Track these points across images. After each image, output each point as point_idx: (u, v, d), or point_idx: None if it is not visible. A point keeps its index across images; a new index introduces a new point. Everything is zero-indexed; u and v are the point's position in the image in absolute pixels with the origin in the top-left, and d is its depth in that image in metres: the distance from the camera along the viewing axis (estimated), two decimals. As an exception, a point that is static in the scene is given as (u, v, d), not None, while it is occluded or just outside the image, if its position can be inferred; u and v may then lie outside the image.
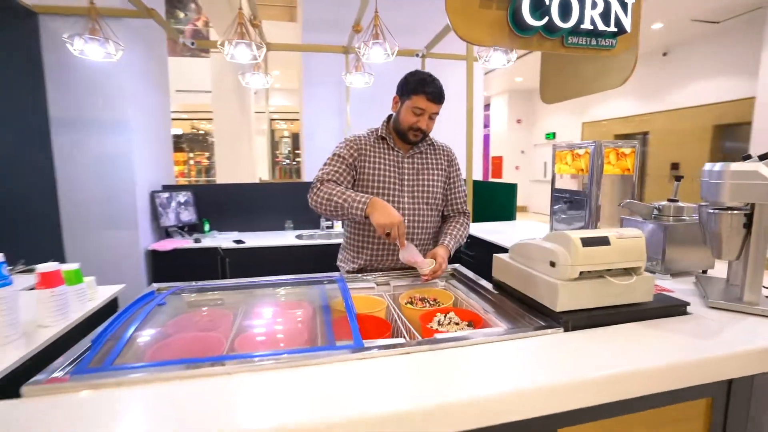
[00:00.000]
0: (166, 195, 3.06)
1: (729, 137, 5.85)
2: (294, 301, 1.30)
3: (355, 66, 2.97)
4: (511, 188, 3.19)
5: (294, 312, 1.19)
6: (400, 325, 1.14)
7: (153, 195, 3.00)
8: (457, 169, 1.58)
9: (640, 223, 1.48)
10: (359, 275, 1.47)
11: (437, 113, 1.40)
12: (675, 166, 6.62)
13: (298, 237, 3.19)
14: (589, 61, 2.36)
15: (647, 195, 7.20)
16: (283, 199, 3.41)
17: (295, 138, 13.38)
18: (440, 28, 2.78)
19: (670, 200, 1.50)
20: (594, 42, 1.53)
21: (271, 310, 1.22)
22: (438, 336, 0.94)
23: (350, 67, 3.13)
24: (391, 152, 1.49)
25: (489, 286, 1.32)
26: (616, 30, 1.50)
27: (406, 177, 1.48)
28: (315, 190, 1.39)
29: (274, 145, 13.71)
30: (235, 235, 3.19)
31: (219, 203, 3.32)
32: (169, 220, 3.03)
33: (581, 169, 1.84)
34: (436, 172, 1.52)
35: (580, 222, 1.87)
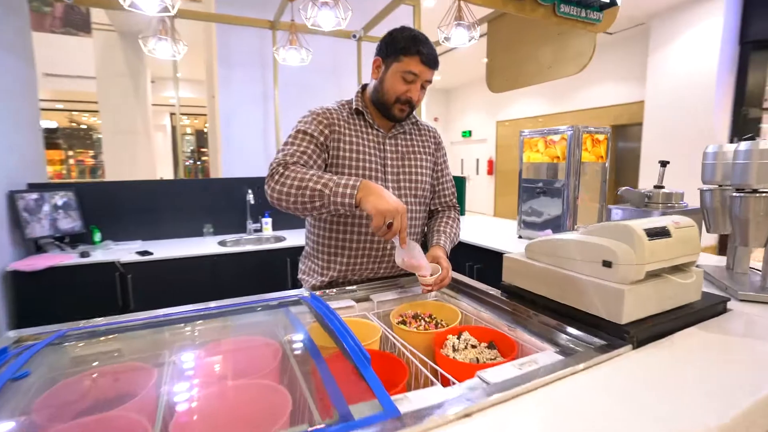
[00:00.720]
0: (34, 197, 2.32)
1: (623, 137, 6.55)
2: (250, 337, 0.91)
3: (289, 40, 2.55)
4: (459, 182, 3.06)
5: (257, 357, 0.81)
6: (408, 355, 0.84)
7: (13, 196, 2.25)
8: (445, 154, 1.31)
9: (632, 212, 1.37)
10: (332, 291, 1.12)
11: (430, 82, 1.12)
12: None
13: (222, 244, 2.67)
14: (546, 47, 2.30)
15: None
16: (199, 198, 2.84)
17: (200, 135, 12.09)
18: (382, 5, 2.50)
19: (656, 187, 1.41)
20: (583, 14, 1.39)
21: (220, 358, 0.82)
22: (487, 376, 0.66)
23: (281, 42, 2.69)
24: (369, 131, 1.17)
25: (495, 292, 1.08)
26: (608, 1, 1.37)
27: (389, 163, 1.17)
28: (277, 176, 1.01)
29: (177, 143, 12.29)
30: (138, 245, 2.55)
31: (113, 206, 2.64)
32: (39, 229, 2.30)
33: (556, 156, 1.71)
34: (423, 157, 1.23)
35: (556, 214, 1.74)
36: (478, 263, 2.19)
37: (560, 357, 0.73)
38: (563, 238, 0.91)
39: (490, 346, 0.91)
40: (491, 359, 0.88)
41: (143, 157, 6.34)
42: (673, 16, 5.36)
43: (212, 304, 1.00)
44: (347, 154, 1.12)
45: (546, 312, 0.91)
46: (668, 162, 1.43)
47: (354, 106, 1.17)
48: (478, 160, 9.98)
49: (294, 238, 2.80)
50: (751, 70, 5.31)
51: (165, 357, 0.80)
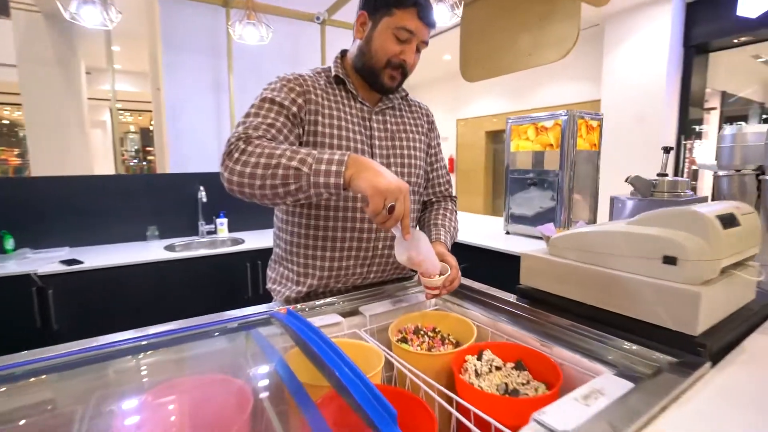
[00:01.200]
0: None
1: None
2: (206, 377, 0.66)
3: (246, 14, 2.25)
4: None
5: (216, 407, 0.57)
6: (425, 388, 0.63)
7: None
8: (438, 136, 1.12)
9: (641, 203, 1.25)
10: (311, 304, 0.90)
11: (426, 44, 0.92)
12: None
13: (169, 248, 2.33)
14: (526, 34, 2.18)
15: None
16: (142, 197, 2.47)
17: (146, 133, 11.21)
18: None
19: (660, 174, 1.30)
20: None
21: (161, 413, 0.57)
22: (551, 421, 0.47)
23: (237, 17, 2.38)
24: (353, 104, 0.96)
25: (510, 297, 0.90)
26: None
27: (376, 143, 0.96)
28: (236, 154, 0.77)
29: (118, 142, 11.29)
30: (64, 253, 2.16)
31: (32, 207, 2.22)
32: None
33: (549, 144, 1.58)
34: (416, 137, 1.04)
35: (549, 207, 1.61)
36: (464, 262, 2.02)
37: (627, 383, 0.56)
38: (604, 230, 0.74)
39: (518, 366, 0.73)
40: (523, 383, 0.70)
41: (78, 156, 5.69)
42: (624, 18, 5.56)
43: (153, 329, 0.74)
44: (326, 131, 0.89)
45: (585, 321, 0.74)
46: (672, 148, 1.33)
47: (333, 73, 0.95)
48: (439, 158, 9.98)
49: (254, 240, 2.51)
50: (694, 72, 5.64)
51: (78, 416, 0.55)
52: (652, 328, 0.66)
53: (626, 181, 1.22)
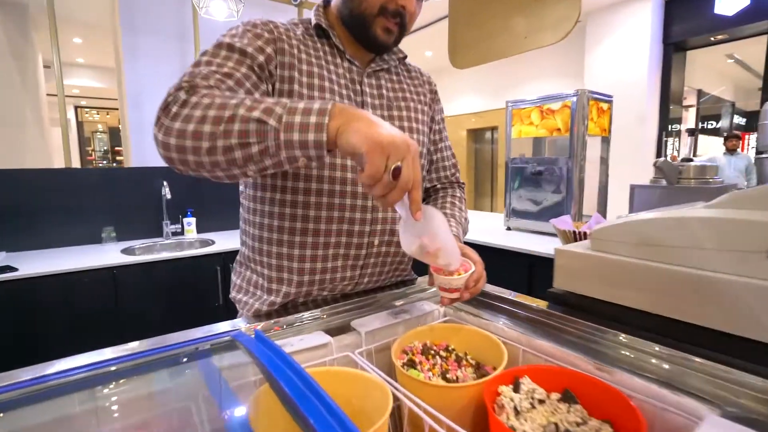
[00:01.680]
0: None
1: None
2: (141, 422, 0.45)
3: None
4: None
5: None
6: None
7: None
8: (442, 111, 0.93)
9: (667, 192, 1.10)
10: (289, 320, 0.69)
11: None
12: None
13: (127, 252, 2.06)
14: (520, 17, 2.02)
15: (500, 181, 7.85)
16: (97, 194, 2.19)
17: (114, 133, 10.64)
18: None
19: (685, 159, 1.16)
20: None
21: None
22: None
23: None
24: (339, 62, 0.76)
25: (540, 305, 0.72)
26: None
27: (369, 111, 0.76)
28: (175, 108, 0.55)
29: (84, 141, 10.71)
30: None
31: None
32: None
33: (556, 128, 1.42)
34: (417, 107, 0.84)
35: (556, 199, 1.45)
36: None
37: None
38: (674, 216, 0.57)
39: (567, 398, 0.55)
40: (579, 423, 0.51)
41: (36, 154, 5.26)
42: (606, 15, 5.55)
43: (62, 363, 0.52)
44: (304, 91, 0.69)
45: (648, 335, 0.56)
46: (696, 129, 1.18)
47: (314, 22, 0.75)
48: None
49: (226, 241, 2.27)
50: (673, 70, 5.68)
51: None
52: (755, 346, 0.48)
53: (654, 165, 1.07)
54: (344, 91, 0.74)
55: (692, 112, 5.66)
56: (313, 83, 0.70)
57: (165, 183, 2.27)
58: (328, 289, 0.77)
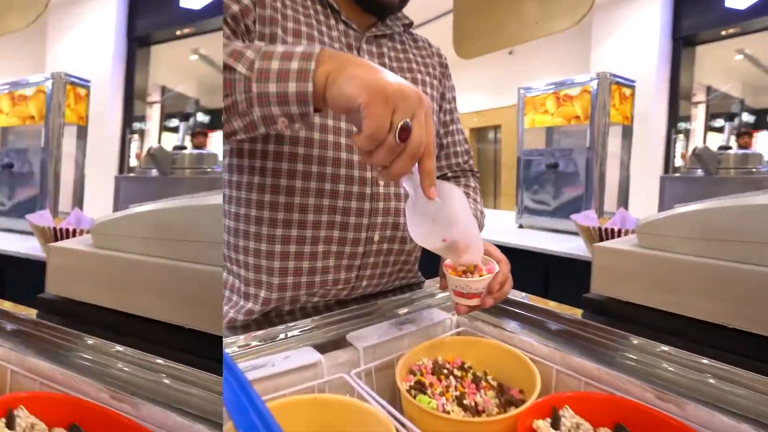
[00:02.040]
0: None
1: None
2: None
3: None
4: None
5: None
6: None
7: None
8: (454, 90, 0.81)
9: (705, 182, 0.98)
10: (270, 332, 0.57)
11: None
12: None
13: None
14: (531, 2, 1.90)
15: (504, 181, 7.71)
16: None
17: None
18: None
19: (722, 147, 1.04)
20: None
21: None
22: None
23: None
24: (333, 23, 0.64)
25: (572, 314, 0.60)
26: None
27: None
28: None
29: None
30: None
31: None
32: None
33: (575, 116, 1.30)
34: (425, 79, 0.73)
35: (574, 195, 1.32)
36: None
37: None
38: (759, 203, 0.45)
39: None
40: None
41: None
42: (613, 10, 5.42)
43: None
44: None
45: (725, 356, 0.44)
46: (737, 114, 1.06)
47: None
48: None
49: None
50: (682, 65, 5.53)
51: None
52: None
53: (693, 153, 0.96)
54: None
55: (701, 108, 5.48)
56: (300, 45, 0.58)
57: None
58: (318, 295, 0.65)
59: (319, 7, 0.63)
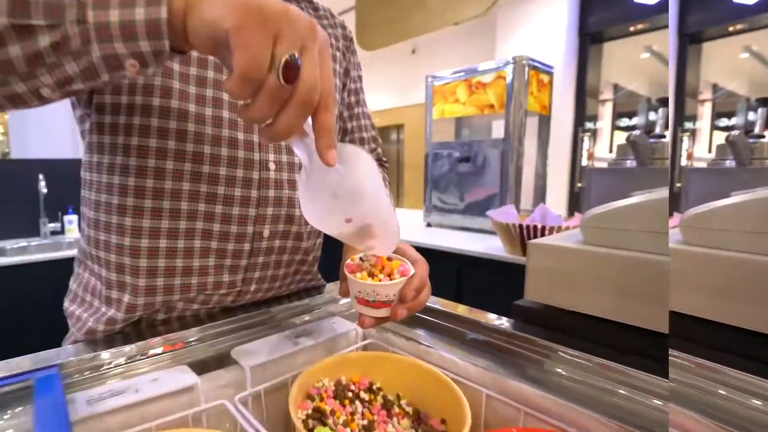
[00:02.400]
0: None
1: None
2: None
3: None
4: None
5: None
6: None
7: None
8: (360, 68, 0.75)
9: (735, 174, 1.00)
10: (138, 347, 0.48)
11: None
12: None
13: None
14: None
15: (407, 182, 7.70)
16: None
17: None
18: None
19: (754, 135, 1.08)
20: None
21: None
22: None
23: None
24: None
25: (505, 324, 0.54)
26: None
27: None
28: None
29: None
30: None
31: None
32: None
33: (489, 105, 1.29)
34: None
35: (487, 191, 1.32)
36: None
37: None
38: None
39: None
40: None
41: None
42: (518, 5, 5.57)
43: None
44: None
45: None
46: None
47: None
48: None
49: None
50: (589, 62, 5.89)
51: None
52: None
53: (726, 140, 0.97)
54: None
55: (707, 106, 5.58)
56: None
57: (41, 176, 1.90)
58: (198, 301, 0.56)
59: None
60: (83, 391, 0.40)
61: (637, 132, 1.04)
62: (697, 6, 5.09)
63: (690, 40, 5.07)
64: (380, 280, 0.42)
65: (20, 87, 0.32)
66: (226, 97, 0.52)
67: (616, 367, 0.41)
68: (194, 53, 0.49)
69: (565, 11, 5.27)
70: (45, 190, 1.90)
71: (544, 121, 1.45)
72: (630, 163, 1.07)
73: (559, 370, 0.45)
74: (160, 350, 0.49)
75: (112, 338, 0.53)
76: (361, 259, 0.46)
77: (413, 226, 1.84)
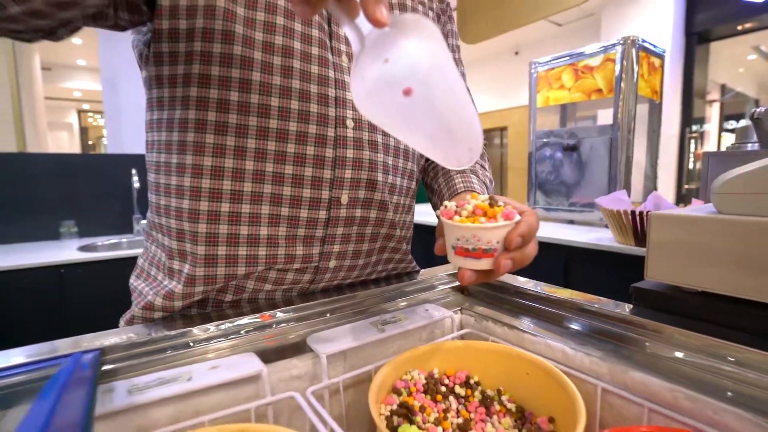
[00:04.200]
0: None
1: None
2: None
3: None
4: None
5: None
6: None
7: None
8: (457, 35, 0.65)
9: (758, 155, 0.80)
10: (200, 331, 0.41)
11: None
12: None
13: (86, 249, 1.79)
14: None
15: (510, 185, 7.57)
16: (55, 184, 1.93)
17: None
18: None
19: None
20: None
21: None
22: None
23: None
24: None
25: (624, 310, 0.43)
26: None
27: (341, 33, 0.49)
28: None
29: (88, 148, 10.60)
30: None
31: None
32: None
33: (596, 89, 1.12)
34: (419, 9, 0.56)
35: (597, 183, 1.14)
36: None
37: None
38: None
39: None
40: None
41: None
42: (622, 6, 5.28)
43: None
44: (241, 16, 0.42)
45: None
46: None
47: None
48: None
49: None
50: (696, 62, 5.34)
51: None
52: None
53: (751, 117, 0.80)
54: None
55: (716, 108, 5.29)
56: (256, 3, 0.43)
57: (134, 171, 2.01)
58: (270, 280, 0.49)
59: None
60: (126, 379, 0.34)
61: (762, 109, 0.82)
62: (705, 5, 4.56)
63: (698, 39, 4.55)
64: (480, 224, 0.34)
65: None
66: (297, 45, 0.44)
67: (758, 356, 0.33)
68: None
69: (671, 10, 4.86)
70: (137, 185, 2.01)
71: (655, 109, 1.25)
72: (752, 146, 0.90)
73: (690, 359, 0.36)
74: (222, 334, 0.41)
75: (171, 317, 0.46)
76: (456, 206, 0.37)
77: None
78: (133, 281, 0.53)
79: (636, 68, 1.05)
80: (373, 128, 0.50)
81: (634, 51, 1.05)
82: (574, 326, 0.44)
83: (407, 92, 0.29)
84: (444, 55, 0.29)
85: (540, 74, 1.37)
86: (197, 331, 0.40)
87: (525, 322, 0.46)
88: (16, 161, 1.86)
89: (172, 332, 0.39)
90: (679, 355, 0.36)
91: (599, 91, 1.11)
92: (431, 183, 0.59)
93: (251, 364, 0.36)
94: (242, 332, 0.41)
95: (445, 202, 0.37)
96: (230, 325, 0.42)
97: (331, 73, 0.46)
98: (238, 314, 0.44)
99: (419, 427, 0.34)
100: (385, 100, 0.29)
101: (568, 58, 1.26)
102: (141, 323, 0.46)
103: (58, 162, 1.95)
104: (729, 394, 0.31)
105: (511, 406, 0.39)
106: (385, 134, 0.52)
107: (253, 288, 0.49)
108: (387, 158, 0.52)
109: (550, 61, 1.33)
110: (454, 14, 0.73)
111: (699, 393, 0.31)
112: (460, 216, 0.35)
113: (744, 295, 0.39)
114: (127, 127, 2.43)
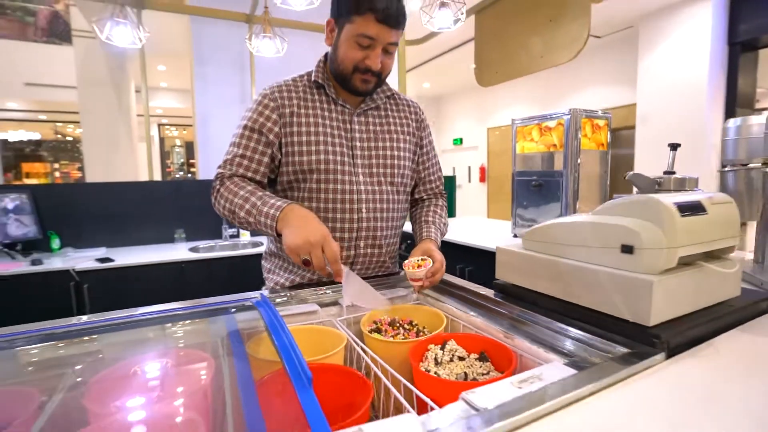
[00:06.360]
0: (-18, 200, 2.12)
1: (616, 142, 6.47)
2: (180, 350, 0.72)
3: (263, 28, 2.38)
4: (449, 181, 2.90)
5: (180, 375, 0.62)
6: (376, 371, 0.66)
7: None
8: (430, 134, 1.14)
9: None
10: (299, 294, 0.94)
11: (396, 44, 0.92)
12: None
13: (194, 250, 2.47)
14: (537, 37, 2.17)
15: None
16: (171, 201, 2.64)
17: (189, 147, 11.87)
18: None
19: (666, 172, 1.25)
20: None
21: (133, 379, 0.63)
22: (476, 399, 0.48)
23: (255, 33, 2.51)
24: (333, 107, 1.00)
25: (488, 292, 0.90)
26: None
27: (357, 145, 1.00)
28: (215, 194, 0.96)
29: (164, 155, 12.05)
30: (101, 252, 2.35)
31: (75, 210, 2.44)
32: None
33: (552, 144, 1.55)
34: (401, 137, 1.06)
35: (554, 209, 1.58)
36: (470, 265, 2.03)
37: (571, 370, 0.55)
38: (568, 220, 0.74)
39: (482, 358, 0.74)
40: (483, 374, 0.70)
41: (126, 167, 6.15)
42: (661, 18, 5.31)
43: (144, 309, 0.81)
44: (303, 138, 0.95)
45: (550, 314, 0.73)
46: (679, 144, 1.28)
47: (313, 78, 1.00)
48: (470, 167, 9.89)
49: (273, 243, 2.62)
50: (741, 71, 5.24)
51: (64, 379, 0.62)
52: (612, 319, 0.65)
53: (625, 178, 1.18)
54: (336, 131, 0.98)
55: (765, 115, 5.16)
56: (309, 130, 0.96)
57: None
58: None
59: (323, 98, 0.99)
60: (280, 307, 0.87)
61: (631, 173, 1.15)
62: (749, 14, 4.26)
63: (743, 48, 4.27)
64: (415, 268, 0.86)
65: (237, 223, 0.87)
66: (362, 186, 1.01)
67: (514, 309, 0.73)
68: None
69: (708, 22, 4.84)
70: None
71: (603, 156, 1.67)
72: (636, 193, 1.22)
73: (500, 313, 0.78)
74: (306, 294, 0.93)
75: (291, 287, 1.00)
76: (410, 259, 0.90)
77: (503, 237, 2.18)
78: (266, 274, 1.09)
79: (578, 131, 1.46)
80: (375, 203, 1.00)
81: (578, 119, 1.46)
82: (465, 299, 0.91)
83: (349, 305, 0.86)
84: (361, 286, 0.87)
85: (518, 129, 1.80)
86: (298, 294, 0.94)
87: (443, 297, 0.94)
88: (147, 186, 2.60)
89: (289, 294, 0.93)
90: (499, 312, 0.83)
91: (555, 145, 1.53)
92: (412, 223, 1.10)
93: (313, 307, 0.88)
94: (312, 294, 0.94)
95: (406, 261, 0.88)
96: (308, 292, 0.95)
97: (354, 187, 0.99)
98: (309, 289, 0.97)
99: (382, 335, 0.83)
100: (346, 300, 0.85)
101: (536, 119, 1.69)
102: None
103: (173, 185, 2.67)
104: (503, 322, 0.77)
105: (428, 332, 0.83)
106: (383, 203, 1.02)
107: (320, 278, 1.02)
108: (381, 212, 1.02)
109: (526, 119, 1.76)
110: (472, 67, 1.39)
111: (493, 323, 0.78)
112: (410, 267, 0.86)
113: (541, 290, 0.80)
114: (215, 156, 3.14)
